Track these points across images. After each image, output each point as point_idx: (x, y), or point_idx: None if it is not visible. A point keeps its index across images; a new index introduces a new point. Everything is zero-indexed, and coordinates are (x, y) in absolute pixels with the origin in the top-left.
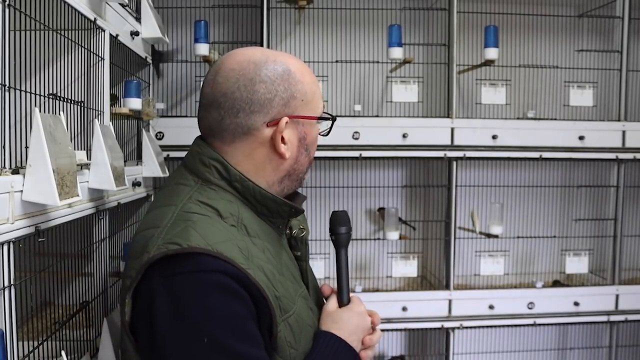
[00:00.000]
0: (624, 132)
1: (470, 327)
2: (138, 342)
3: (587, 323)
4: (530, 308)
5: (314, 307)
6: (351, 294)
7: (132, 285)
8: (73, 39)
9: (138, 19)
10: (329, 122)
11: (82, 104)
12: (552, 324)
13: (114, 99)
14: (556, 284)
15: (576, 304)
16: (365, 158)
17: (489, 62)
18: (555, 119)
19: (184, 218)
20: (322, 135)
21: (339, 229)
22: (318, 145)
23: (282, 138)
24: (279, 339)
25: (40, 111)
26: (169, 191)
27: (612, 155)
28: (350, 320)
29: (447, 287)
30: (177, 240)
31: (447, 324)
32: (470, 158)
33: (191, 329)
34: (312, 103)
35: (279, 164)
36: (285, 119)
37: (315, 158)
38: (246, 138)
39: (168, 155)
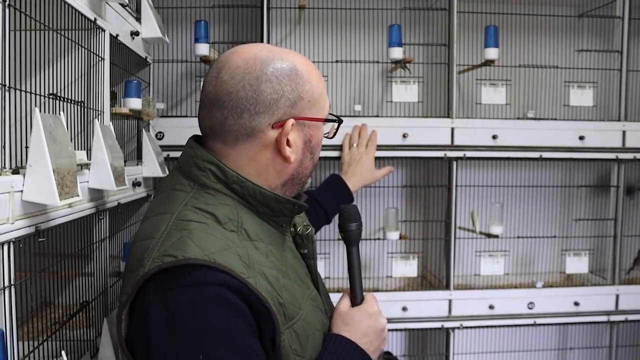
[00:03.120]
0: (624, 132)
1: (470, 327)
2: (135, 359)
3: (587, 323)
4: (530, 308)
5: (324, 308)
6: (366, 293)
7: (129, 301)
8: (73, 39)
9: (138, 19)
10: (335, 123)
11: (82, 104)
12: (552, 324)
13: (112, 97)
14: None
15: (576, 304)
16: None
17: (489, 62)
18: (555, 119)
19: (179, 227)
20: (328, 138)
21: (349, 226)
22: None
23: (288, 141)
24: (283, 348)
25: (40, 111)
26: (165, 198)
27: (612, 155)
28: (362, 321)
29: (447, 287)
30: (172, 252)
31: (447, 324)
32: (470, 158)
33: (187, 345)
34: (319, 104)
35: (283, 168)
36: (291, 121)
37: None
38: (250, 140)
39: (168, 155)
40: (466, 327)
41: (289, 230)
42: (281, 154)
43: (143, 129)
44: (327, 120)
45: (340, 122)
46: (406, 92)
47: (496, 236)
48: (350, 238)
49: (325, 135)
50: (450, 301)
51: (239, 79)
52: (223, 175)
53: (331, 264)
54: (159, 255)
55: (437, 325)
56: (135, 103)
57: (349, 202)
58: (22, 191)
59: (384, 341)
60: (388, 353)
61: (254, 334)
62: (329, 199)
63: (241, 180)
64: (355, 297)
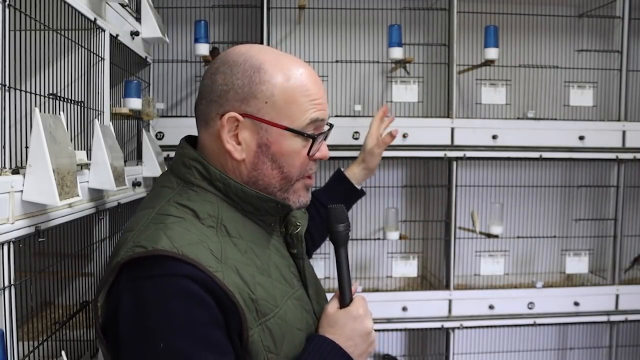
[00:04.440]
0: (624, 132)
1: (470, 327)
2: (109, 344)
3: (587, 323)
4: (530, 308)
5: (311, 309)
6: (357, 294)
7: (103, 289)
8: (73, 39)
9: (138, 19)
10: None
11: (82, 104)
12: (552, 324)
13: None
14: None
15: (576, 304)
16: None
17: (489, 62)
18: (555, 119)
19: (157, 221)
20: (309, 156)
21: (337, 227)
22: None
23: (237, 137)
24: (252, 343)
25: (40, 111)
26: (153, 194)
27: (612, 155)
28: (346, 324)
29: (447, 287)
30: (143, 243)
31: (447, 324)
32: (470, 158)
33: (150, 333)
34: (284, 110)
35: (237, 165)
36: (229, 114)
37: (315, 158)
38: (205, 126)
39: (168, 155)
40: (466, 327)
41: (279, 229)
42: (225, 147)
43: (143, 129)
44: (287, 129)
45: (312, 138)
46: (406, 92)
47: (496, 236)
48: (338, 239)
49: (310, 154)
50: (450, 301)
51: (209, 70)
52: (207, 172)
53: (331, 264)
54: (132, 246)
55: (437, 325)
56: (135, 103)
57: (356, 197)
58: (22, 191)
59: (372, 345)
60: (387, 355)
61: (220, 327)
62: (331, 198)
63: (224, 177)
64: (344, 298)
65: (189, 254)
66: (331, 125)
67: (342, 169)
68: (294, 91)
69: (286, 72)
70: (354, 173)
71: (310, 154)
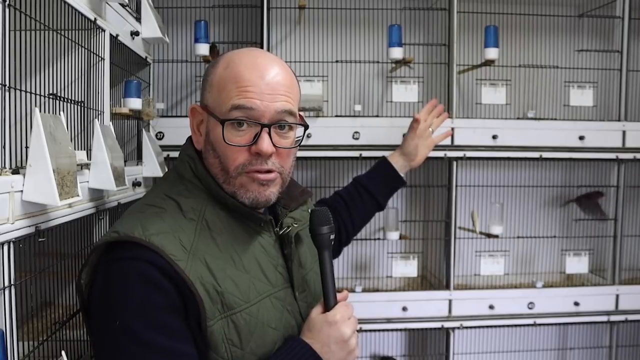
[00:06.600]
0: (624, 132)
1: (470, 327)
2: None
3: (587, 323)
4: (530, 308)
5: (297, 310)
6: (346, 300)
7: (84, 268)
8: (73, 39)
9: (138, 19)
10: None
11: (82, 104)
12: (552, 324)
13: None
14: None
15: (576, 304)
16: (365, 158)
17: (489, 62)
18: (555, 119)
19: (139, 210)
20: (235, 144)
21: (320, 229)
22: (318, 145)
23: (198, 125)
24: (212, 334)
25: (40, 111)
26: (152, 187)
27: (612, 155)
28: (321, 329)
29: (447, 287)
30: (119, 229)
31: (447, 324)
32: (470, 158)
33: (110, 310)
34: (217, 98)
35: (203, 155)
36: (192, 105)
37: (316, 158)
38: None
39: (168, 155)
40: (466, 327)
41: (272, 229)
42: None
43: (143, 129)
44: (212, 116)
45: (220, 121)
46: (406, 92)
47: (496, 236)
48: (322, 241)
49: (225, 140)
50: (450, 301)
51: None
52: (196, 169)
53: (337, 263)
54: (110, 232)
55: (437, 325)
56: (135, 103)
57: (397, 185)
58: (22, 191)
59: (351, 353)
60: (386, 357)
61: (177, 313)
62: (376, 182)
63: (205, 176)
64: (327, 303)
65: (154, 241)
66: (303, 125)
67: (385, 156)
68: (226, 79)
69: (229, 62)
70: (396, 162)
71: (227, 141)
